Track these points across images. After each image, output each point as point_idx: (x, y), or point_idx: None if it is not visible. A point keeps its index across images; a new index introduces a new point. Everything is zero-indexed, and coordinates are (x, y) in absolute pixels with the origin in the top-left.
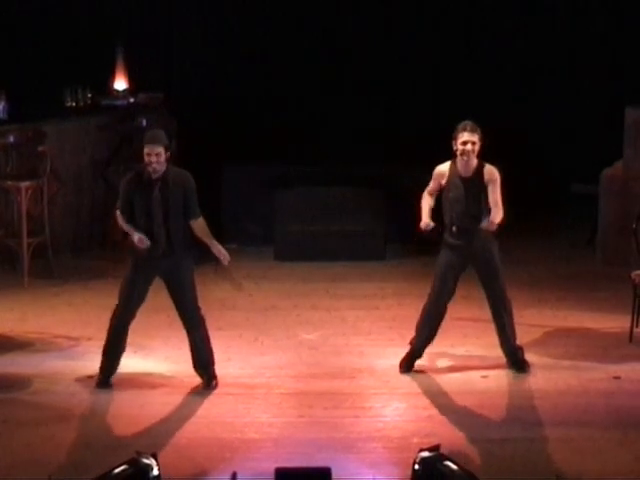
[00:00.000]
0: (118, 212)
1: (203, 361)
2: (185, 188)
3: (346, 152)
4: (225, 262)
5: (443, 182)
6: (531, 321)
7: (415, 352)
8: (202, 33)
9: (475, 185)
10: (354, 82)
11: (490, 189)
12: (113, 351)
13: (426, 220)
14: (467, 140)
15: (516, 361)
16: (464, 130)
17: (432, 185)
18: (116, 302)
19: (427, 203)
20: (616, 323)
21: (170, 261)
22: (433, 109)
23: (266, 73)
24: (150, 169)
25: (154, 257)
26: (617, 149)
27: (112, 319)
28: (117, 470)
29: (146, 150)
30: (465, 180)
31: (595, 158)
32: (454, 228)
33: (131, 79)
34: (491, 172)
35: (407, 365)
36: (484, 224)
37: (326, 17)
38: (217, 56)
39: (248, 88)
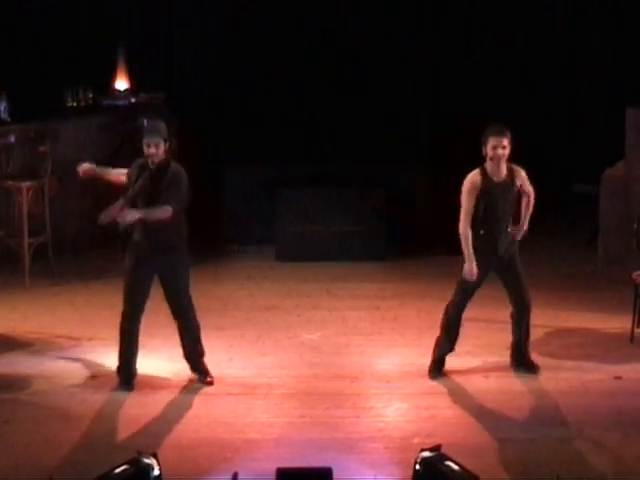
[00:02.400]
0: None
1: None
2: (170, 180)
3: (346, 152)
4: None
5: (477, 191)
6: (532, 321)
7: (441, 359)
8: (202, 33)
9: (508, 189)
10: (354, 82)
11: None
12: (128, 352)
13: (473, 267)
14: (497, 145)
15: (525, 361)
16: (492, 134)
17: (470, 202)
18: (120, 302)
19: (469, 238)
20: (617, 323)
21: (166, 258)
22: (433, 109)
23: (266, 73)
24: (149, 160)
25: (152, 251)
26: (619, 150)
27: (122, 321)
28: (118, 470)
29: (145, 141)
30: (498, 185)
31: (597, 158)
32: (482, 232)
33: (132, 79)
34: (521, 174)
35: (436, 371)
36: (518, 234)
37: (326, 17)
38: (217, 56)
39: (248, 88)
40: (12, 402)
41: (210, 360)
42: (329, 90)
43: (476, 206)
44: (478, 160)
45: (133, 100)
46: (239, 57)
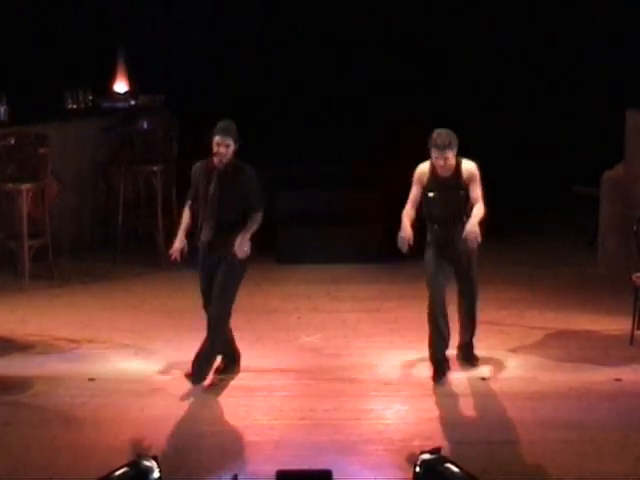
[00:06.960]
0: (188, 203)
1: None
2: (247, 182)
3: (346, 153)
4: (238, 255)
5: (424, 181)
6: (532, 323)
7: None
8: (202, 35)
9: (454, 185)
10: (354, 83)
11: (471, 187)
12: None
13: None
14: (439, 156)
15: (467, 354)
16: (435, 146)
17: (415, 190)
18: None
19: (408, 216)
20: (617, 325)
21: (222, 253)
22: (433, 110)
23: (266, 74)
24: (217, 159)
25: (213, 247)
26: (618, 151)
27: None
28: (118, 472)
29: (216, 139)
30: (443, 180)
31: (596, 160)
32: (435, 226)
33: (132, 81)
34: (469, 170)
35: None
36: (466, 238)
37: (326, 18)
38: (217, 58)
39: (248, 90)
40: (12, 404)
41: None
42: (330, 91)
43: (424, 199)
44: (476, 161)
45: (133, 102)
46: (239, 59)
